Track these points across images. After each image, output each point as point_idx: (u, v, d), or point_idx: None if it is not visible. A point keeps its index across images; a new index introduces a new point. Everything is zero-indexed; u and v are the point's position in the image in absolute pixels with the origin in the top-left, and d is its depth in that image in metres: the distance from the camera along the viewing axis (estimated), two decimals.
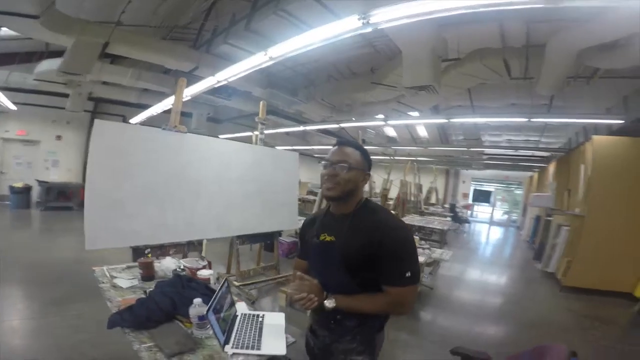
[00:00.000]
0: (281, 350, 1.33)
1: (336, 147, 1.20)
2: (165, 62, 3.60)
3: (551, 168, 7.51)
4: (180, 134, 2.70)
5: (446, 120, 5.27)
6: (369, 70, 4.79)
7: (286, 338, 1.42)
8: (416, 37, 2.70)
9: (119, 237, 2.30)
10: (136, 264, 2.03)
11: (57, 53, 3.98)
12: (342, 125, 6.30)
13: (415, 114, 6.18)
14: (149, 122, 6.20)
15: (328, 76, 5.16)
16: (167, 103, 4.97)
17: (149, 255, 2.18)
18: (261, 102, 3.75)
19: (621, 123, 3.80)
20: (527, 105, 4.49)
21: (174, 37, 4.01)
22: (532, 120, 4.06)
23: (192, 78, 3.64)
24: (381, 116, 6.14)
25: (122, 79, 4.52)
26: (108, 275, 1.92)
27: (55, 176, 7.86)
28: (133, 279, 1.91)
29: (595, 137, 4.15)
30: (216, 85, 3.56)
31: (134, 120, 7.13)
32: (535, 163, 9.11)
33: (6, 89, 5.43)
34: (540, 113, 4.45)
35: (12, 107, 6.04)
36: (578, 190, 4.80)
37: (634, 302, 3.70)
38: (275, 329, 1.48)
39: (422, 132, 8.63)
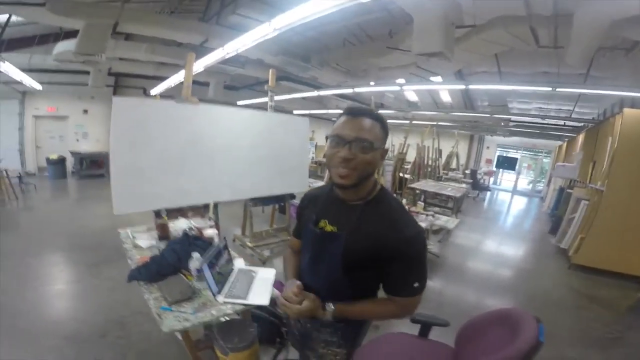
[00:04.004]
0: (264, 301, 1.52)
1: (349, 118, 0.91)
2: (175, 37, 3.62)
3: (580, 138, 7.06)
4: (193, 105, 2.83)
5: (464, 87, 5.00)
6: (386, 34, 4.53)
7: (272, 292, 1.59)
8: (426, 3, 2.53)
9: (142, 202, 2.56)
10: (154, 226, 2.25)
11: (73, 33, 4.08)
12: (357, 89, 6.14)
13: (438, 78, 5.88)
14: (169, 93, 6.36)
15: (343, 40, 4.94)
16: (183, 75, 5.05)
17: (165, 217, 2.36)
18: (270, 71, 3.74)
19: None
20: (560, 74, 4.14)
21: (182, 10, 3.97)
22: (557, 90, 3.79)
23: (203, 50, 3.64)
24: (402, 81, 5.89)
25: (137, 54, 4.66)
26: (131, 237, 2.18)
27: (86, 147, 8.52)
28: (152, 239, 2.14)
29: (627, 110, 3.83)
30: (226, 57, 3.55)
31: (154, 91, 7.34)
32: (565, 132, 8.56)
33: (30, 70, 5.79)
34: (574, 83, 4.11)
35: (38, 86, 6.47)
36: (603, 164, 4.56)
37: None
38: (264, 283, 1.67)
39: (445, 97, 8.22)
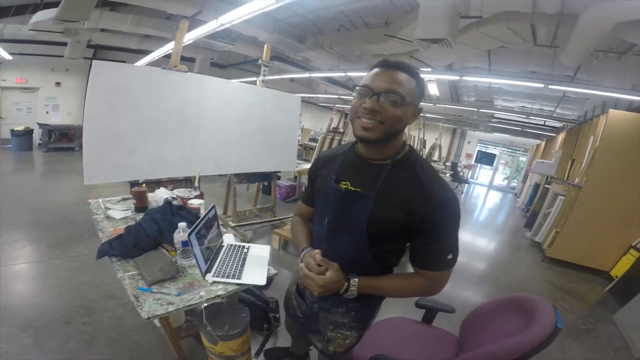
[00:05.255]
0: (261, 280, 1.35)
1: (381, 70, 0.83)
2: (166, 7, 3.40)
3: (560, 137, 7.35)
4: (181, 73, 2.67)
5: (459, 78, 5.03)
6: (383, 23, 4.44)
7: (268, 270, 1.44)
8: None
9: (118, 172, 2.37)
10: (131, 195, 1.99)
11: (53, 4, 3.75)
12: (350, 74, 6.03)
13: (428, 70, 5.87)
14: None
15: (339, 25, 4.80)
16: (168, 48, 4.80)
17: (144, 185, 2.13)
18: (265, 45, 3.59)
19: None
20: (547, 74, 4.23)
21: None
22: (549, 87, 3.86)
23: (195, 22, 3.43)
24: None
25: (122, 25, 4.38)
26: (102, 207, 1.93)
27: (57, 119, 8.01)
28: (127, 210, 1.91)
29: (612, 111, 3.95)
30: (220, 29, 3.35)
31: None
32: (544, 132, 8.89)
33: (1, 41, 5.40)
34: (562, 82, 4.22)
35: (8, 57, 6.08)
36: (582, 162, 4.75)
37: (609, 282, 3.82)
38: (258, 260, 1.50)
39: (432, 90, 8.25)
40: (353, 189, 0.89)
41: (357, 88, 0.85)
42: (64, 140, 7.72)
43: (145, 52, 6.09)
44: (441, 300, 1.55)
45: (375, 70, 0.84)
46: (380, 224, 0.85)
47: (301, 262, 0.96)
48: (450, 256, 0.86)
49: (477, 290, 3.53)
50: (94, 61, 2.19)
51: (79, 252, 2.85)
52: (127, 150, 2.38)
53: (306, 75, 6.82)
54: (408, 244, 0.92)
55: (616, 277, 3.77)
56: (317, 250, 0.93)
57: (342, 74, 6.09)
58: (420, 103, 0.89)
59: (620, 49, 3.03)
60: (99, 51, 7.76)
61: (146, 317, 1.08)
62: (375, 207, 0.85)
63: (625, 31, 2.21)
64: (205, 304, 1.26)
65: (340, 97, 9.56)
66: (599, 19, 2.18)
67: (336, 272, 0.89)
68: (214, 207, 1.56)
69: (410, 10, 3.76)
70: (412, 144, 7.71)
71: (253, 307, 2.03)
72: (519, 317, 1.16)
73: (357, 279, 0.90)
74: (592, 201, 4.09)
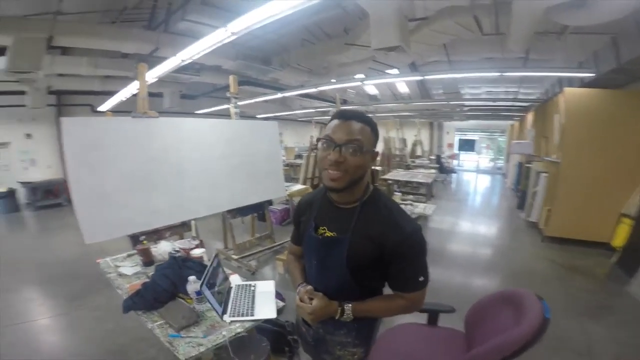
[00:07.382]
0: (272, 314, 1.52)
1: (340, 122, 0.93)
2: (120, 47, 3.39)
3: (530, 116, 7.61)
4: (153, 119, 2.69)
5: (422, 78, 5.22)
6: (342, 31, 4.60)
7: (276, 303, 1.62)
8: None
9: (115, 228, 2.42)
10: (135, 251, 2.19)
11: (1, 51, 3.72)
12: (320, 88, 6.19)
13: (394, 71, 6.06)
14: (121, 108, 5.96)
15: (301, 40, 4.94)
16: (134, 87, 4.80)
17: (145, 242, 2.26)
18: (231, 77, 3.66)
19: (592, 76, 3.82)
20: (502, 59, 4.45)
21: (125, 19, 3.72)
22: (504, 74, 4.06)
23: (154, 60, 3.47)
24: (361, 76, 6.01)
25: (78, 68, 4.25)
26: (112, 266, 2.11)
27: (37, 175, 7.66)
28: (135, 265, 2.10)
29: (567, 89, 4.18)
30: (181, 65, 3.42)
31: (103, 107, 6.87)
32: (515, 112, 9.20)
33: None
34: (515, 67, 4.43)
35: None
36: (553, 138, 4.94)
37: (611, 253, 3.79)
38: (266, 296, 1.66)
39: (402, 88, 8.50)
40: (330, 234, 1.02)
41: (320, 140, 0.95)
42: (50, 197, 7.48)
43: (111, 93, 6.01)
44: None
45: (335, 122, 0.94)
46: (357, 260, 0.97)
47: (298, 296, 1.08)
48: (421, 278, 0.98)
49: (485, 280, 3.53)
50: (62, 118, 2.21)
51: (98, 302, 2.98)
52: (118, 206, 2.40)
53: (278, 95, 6.94)
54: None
55: (617, 248, 3.75)
56: (309, 287, 1.06)
57: (314, 89, 6.22)
58: (377, 145, 1.01)
59: (557, 29, 3.22)
60: (62, 96, 7.54)
61: (183, 359, 1.25)
62: (351, 247, 0.97)
63: (555, 14, 2.37)
64: (229, 340, 1.40)
65: (317, 109, 9.73)
66: (529, 4, 2.35)
67: (321, 300, 1.00)
68: (216, 257, 1.71)
69: (363, 17, 3.93)
70: (392, 145, 7.87)
71: (271, 333, 2.16)
72: (511, 310, 1.27)
73: (350, 305, 1.00)
74: (573, 175, 4.19)
